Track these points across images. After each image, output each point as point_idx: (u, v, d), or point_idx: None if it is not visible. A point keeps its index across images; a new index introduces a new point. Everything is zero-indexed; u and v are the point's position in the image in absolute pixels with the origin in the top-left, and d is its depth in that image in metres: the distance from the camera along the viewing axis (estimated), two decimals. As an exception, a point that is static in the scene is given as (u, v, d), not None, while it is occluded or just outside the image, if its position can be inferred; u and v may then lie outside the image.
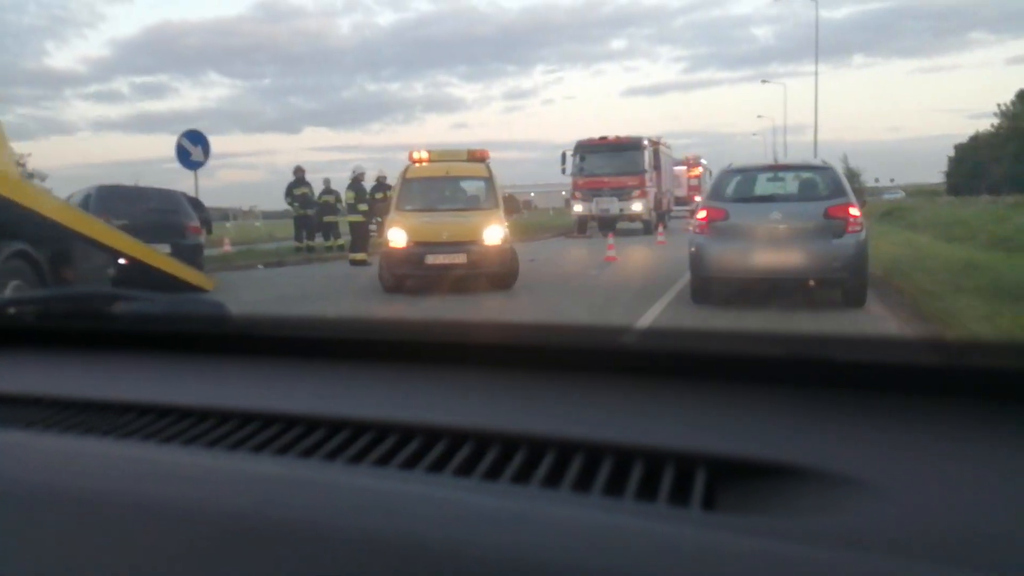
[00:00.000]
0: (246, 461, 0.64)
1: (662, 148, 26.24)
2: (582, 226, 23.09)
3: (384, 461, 0.63)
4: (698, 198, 31.68)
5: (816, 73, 39.20)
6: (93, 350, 1.04)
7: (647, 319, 7.28)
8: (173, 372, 0.93)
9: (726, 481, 0.58)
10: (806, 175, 8.37)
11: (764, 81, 69.39)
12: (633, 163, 22.60)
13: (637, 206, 22.29)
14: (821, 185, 7.80)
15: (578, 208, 23.24)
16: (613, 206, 22.31)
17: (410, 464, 0.62)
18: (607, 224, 22.28)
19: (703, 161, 38.17)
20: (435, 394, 0.79)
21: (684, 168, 36.31)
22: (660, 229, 21.19)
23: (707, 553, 0.48)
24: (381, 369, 0.88)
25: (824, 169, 8.11)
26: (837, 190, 7.53)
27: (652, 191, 23.16)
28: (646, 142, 23.15)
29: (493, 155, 10.86)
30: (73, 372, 0.97)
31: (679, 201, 33.86)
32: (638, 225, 23.01)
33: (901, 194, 64.98)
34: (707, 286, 7.61)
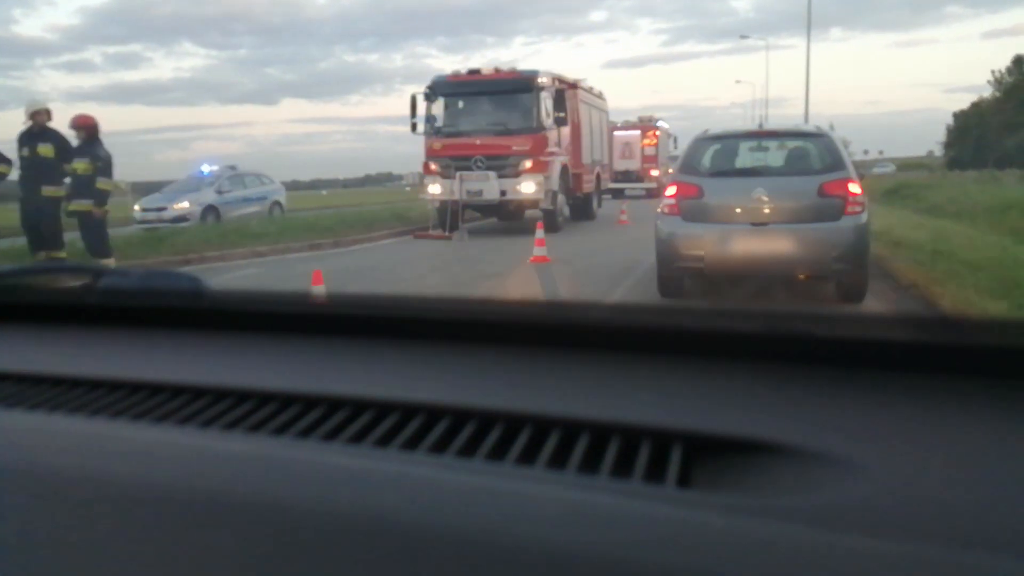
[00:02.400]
0: (218, 438, 0.65)
1: (585, 95, 17.40)
2: (443, 218, 13.78)
3: (358, 438, 0.64)
4: (655, 172, 27.17)
5: (808, 34, 32.12)
6: (63, 325, 1.05)
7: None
8: (145, 347, 0.93)
9: (702, 458, 0.59)
10: (796, 143, 7.04)
11: (743, 36, 67.39)
12: (523, 114, 13.74)
13: (528, 186, 13.41)
14: (815, 156, 6.67)
15: (434, 189, 13.97)
16: (488, 186, 13.51)
17: (385, 441, 0.63)
18: (491, 212, 14.92)
19: (662, 123, 30.62)
20: (410, 370, 0.80)
21: (636, 133, 28.78)
22: (595, 211, 17.29)
23: (682, 530, 0.49)
24: (356, 345, 0.89)
25: (818, 136, 6.76)
26: (834, 162, 6.34)
27: (558, 162, 14.38)
28: (544, 79, 14.07)
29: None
30: (42, 348, 0.97)
31: (625, 177, 27.66)
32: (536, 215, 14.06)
33: (892, 167, 63.06)
34: (676, 278, 6.31)
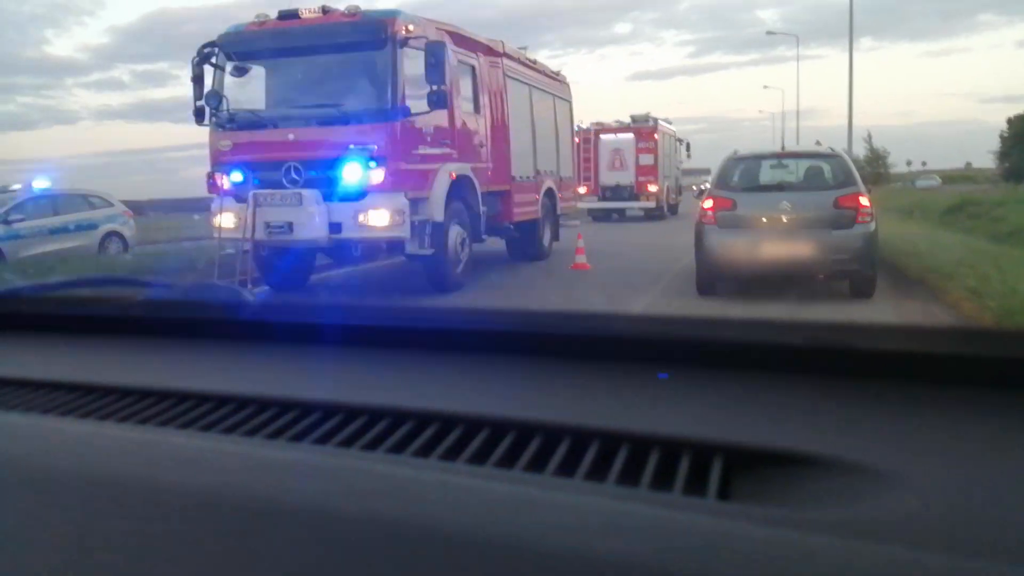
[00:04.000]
0: (263, 447, 0.67)
1: (518, 69, 11.26)
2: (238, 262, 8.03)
3: (399, 448, 0.66)
4: (653, 187, 22.00)
5: (851, 45, 25.37)
6: (113, 336, 1.09)
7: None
8: (190, 358, 0.98)
9: (742, 470, 0.59)
10: (814, 163, 8.62)
11: (770, 32, 64.13)
12: (370, 86, 8.06)
13: (380, 216, 7.78)
14: (829, 174, 8.14)
15: (225, 220, 8.23)
16: (303, 216, 7.80)
17: (426, 451, 0.65)
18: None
19: (663, 124, 23.87)
20: (450, 382, 0.82)
21: (629, 137, 22.39)
22: (546, 247, 11.68)
23: (722, 541, 0.49)
24: (397, 356, 0.91)
25: (833, 157, 8.50)
26: (846, 179, 7.88)
27: (447, 171, 8.49)
28: (413, 27, 8.09)
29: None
30: (93, 357, 1.02)
31: (615, 193, 22.03)
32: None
33: (937, 181, 60.06)
34: (713, 277, 7.55)
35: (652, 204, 22.36)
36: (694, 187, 34.94)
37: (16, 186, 13.91)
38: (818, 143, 9.08)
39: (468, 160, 9.03)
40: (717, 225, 7.59)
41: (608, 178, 22.48)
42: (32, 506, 0.60)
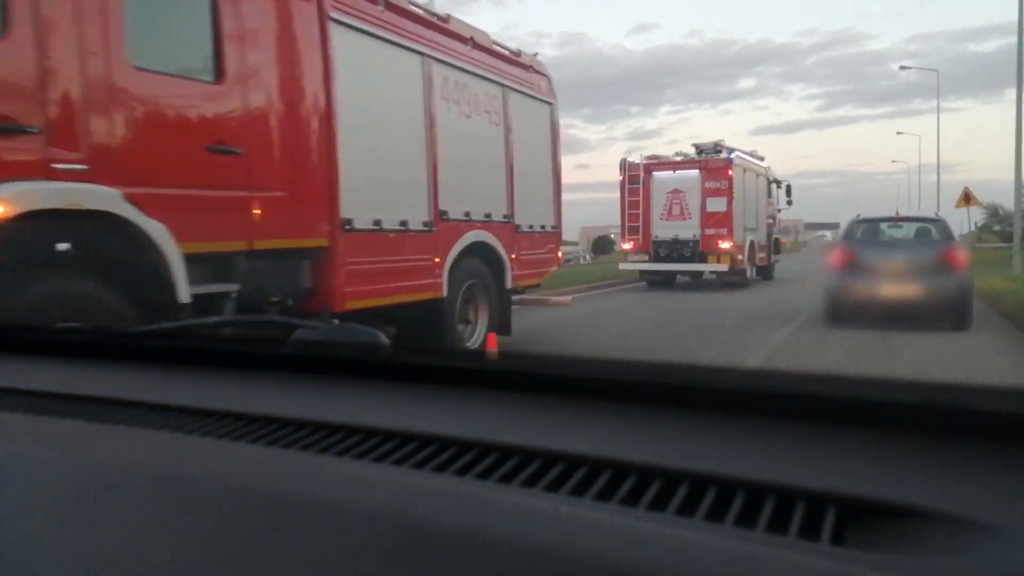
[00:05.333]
0: (408, 475, 0.72)
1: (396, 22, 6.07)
2: None
3: (533, 482, 0.70)
4: (726, 243, 16.84)
5: (1020, 92, 18.95)
6: (265, 372, 1.19)
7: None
8: (335, 394, 1.06)
9: (855, 520, 0.61)
10: (921, 224, 11.05)
11: (903, 67, 60.44)
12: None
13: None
14: (934, 232, 10.55)
15: None
16: None
17: (555, 487, 0.69)
18: None
19: (749, 158, 18.78)
20: (582, 426, 0.86)
21: (695, 174, 17.33)
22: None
23: None
24: (523, 398, 0.96)
25: (936, 221, 11.04)
26: (947, 237, 10.36)
27: None
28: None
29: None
30: (248, 391, 1.10)
31: (673, 250, 17.29)
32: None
33: None
34: (840, 312, 9.93)
35: (724, 267, 17.02)
36: (809, 242, 26.68)
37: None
38: (937, 213, 10.44)
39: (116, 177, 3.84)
40: (844, 271, 9.87)
41: (663, 230, 17.48)
42: (208, 520, 0.64)
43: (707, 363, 0.96)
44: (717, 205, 17.05)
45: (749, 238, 18.24)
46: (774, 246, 21.01)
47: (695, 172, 17.35)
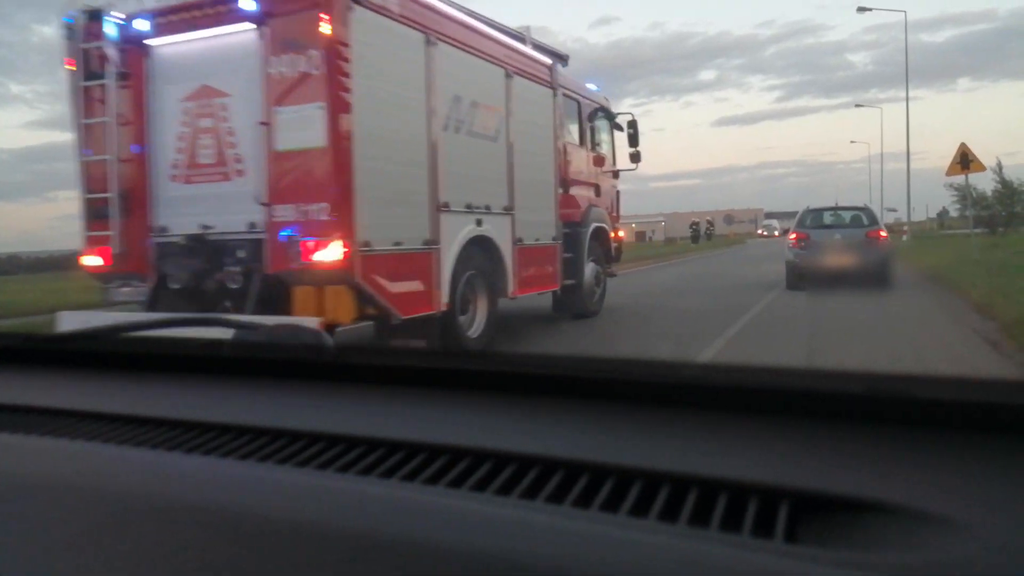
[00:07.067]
0: (356, 482, 0.70)
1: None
2: None
3: (481, 487, 0.68)
4: (327, 252, 4.53)
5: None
6: (202, 375, 1.14)
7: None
8: (277, 397, 1.01)
9: (808, 516, 0.61)
10: (855, 213, 15.08)
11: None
12: None
13: None
14: (864, 219, 14.68)
15: None
16: None
17: (506, 490, 0.68)
18: None
19: (592, 88, 10.91)
20: (528, 422, 0.84)
21: (254, 40, 5.40)
22: None
23: None
24: (470, 398, 0.94)
25: (865, 209, 15.21)
26: (873, 221, 14.55)
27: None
28: None
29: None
30: (185, 395, 1.04)
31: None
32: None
33: None
34: (796, 281, 13.80)
35: (324, 320, 5.22)
36: (762, 232, 25.97)
37: None
38: (865, 203, 15.10)
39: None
40: (799, 249, 13.78)
41: (174, 211, 6.30)
42: (140, 533, 0.62)
43: (655, 357, 0.91)
44: (300, 130, 5.57)
45: (485, 232, 7.56)
46: (602, 250, 10.64)
47: (249, 36, 5.78)
